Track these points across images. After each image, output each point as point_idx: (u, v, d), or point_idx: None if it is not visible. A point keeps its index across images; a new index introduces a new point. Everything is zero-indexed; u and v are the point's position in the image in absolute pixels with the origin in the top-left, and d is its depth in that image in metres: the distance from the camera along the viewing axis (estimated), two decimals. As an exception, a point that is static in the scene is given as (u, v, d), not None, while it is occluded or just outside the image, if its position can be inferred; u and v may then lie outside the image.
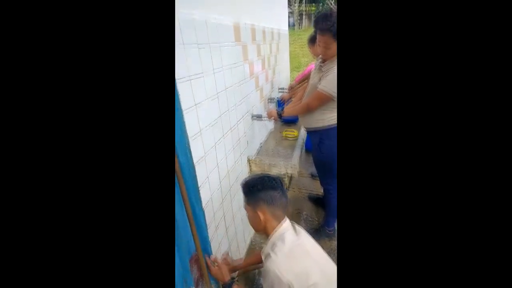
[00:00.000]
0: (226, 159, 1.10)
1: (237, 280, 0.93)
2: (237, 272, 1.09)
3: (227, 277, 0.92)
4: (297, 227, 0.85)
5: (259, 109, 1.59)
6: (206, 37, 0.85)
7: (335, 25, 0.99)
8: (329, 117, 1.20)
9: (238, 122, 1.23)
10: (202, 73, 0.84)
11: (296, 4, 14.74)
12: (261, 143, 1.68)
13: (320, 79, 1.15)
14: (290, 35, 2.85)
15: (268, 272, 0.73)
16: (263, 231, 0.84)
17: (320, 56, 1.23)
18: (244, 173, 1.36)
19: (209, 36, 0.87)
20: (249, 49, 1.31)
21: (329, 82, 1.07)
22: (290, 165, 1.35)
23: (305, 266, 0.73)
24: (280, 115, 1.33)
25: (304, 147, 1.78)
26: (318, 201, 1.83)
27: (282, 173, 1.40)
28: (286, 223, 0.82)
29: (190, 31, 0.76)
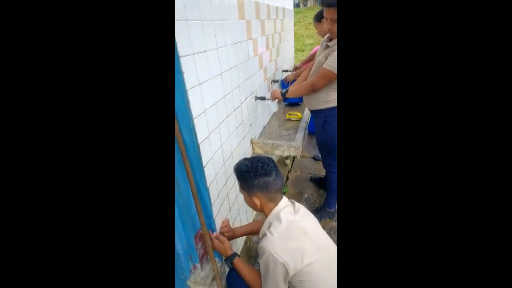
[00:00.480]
0: (229, 140, 1.10)
1: (239, 255, 0.97)
2: (240, 248, 1.14)
3: (229, 251, 0.95)
4: (296, 205, 0.85)
5: (263, 90, 1.56)
6: (210, 13, 0.82)
7: None
8: (332, 98, 1.18)
9: (242, 103, 1.21)
10: (206, 51, 0.82)
11: (301, -20, 13.98)
12: (264, 124, 1.67)
13: (326, 57, 1.11)
14: (294, 13, 2.73)
15: (264, 250, 0.74)
16: (261, 212, 0.85)
17: (327, 34, 1.18)
18: (247, 155, 1.37)
19: (213, 12, 0.83)
20: (253, 26, 1.26)
21: (335, 60, 1.04)
22: (293, 146, 1.35)
23: (300, 245, 0.74)
24: (284, 96, 1.31)
25: (307, 130, 1.77)
26: (319, 183, 1.86)
27: (285, 154, 1.41)
28: (283, 202, 0.82)
29: (194, 7, 0.73)
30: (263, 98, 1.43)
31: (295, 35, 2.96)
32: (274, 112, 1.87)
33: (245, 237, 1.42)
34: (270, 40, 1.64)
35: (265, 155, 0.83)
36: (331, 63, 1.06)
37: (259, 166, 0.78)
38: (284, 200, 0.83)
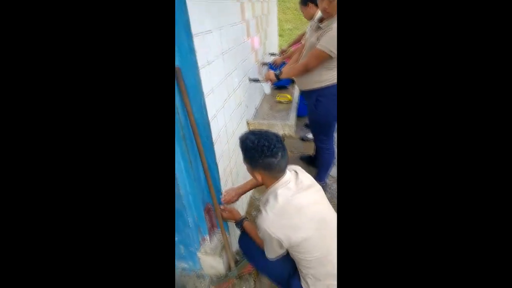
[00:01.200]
0: (231, 120, 1.15)
1: (247, 218, 1.06)
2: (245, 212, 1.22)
3: (238, 217, 1.03)
4: (300, 176, 0.87)
5: (255, 72, 1.61)
6: (212, -8, 0.84)
7: None
8: (325, 78, 1.26)
9: (239, 85, 1.26)
10: (211, 31, 0.85)
11: (277, -38, 13.58)
12: (256, 107, 1.73)
13: (318, 38, 1.18)
14: None
15: (259, 227, 0.80)
16: (261, 185, 0.88)
17: (316, 16, 1.24)
18: (244, 135, 1.43)
19: (214, -9, 0.86)
20: (245, 7, 1.29)
21: (329, 40, 1.11)
22: (288, 125, 1.44)
23: (296, 222, 0.76)
24: (278, 77, 1.37)
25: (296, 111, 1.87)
26: (309, 161, 1.98)
27: (280, 133, 1.49)
28: (285, 178, 0.82)
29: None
30: (256, 80, 1.48)
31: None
32: (265, 95, 1.94)
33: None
34: (259, 23, 1.67)
35: (272, 132, 0.82)
36: (324, 43, 1.13)
37: (265, 146, 0.75)
38: (287, 175, 0.83)
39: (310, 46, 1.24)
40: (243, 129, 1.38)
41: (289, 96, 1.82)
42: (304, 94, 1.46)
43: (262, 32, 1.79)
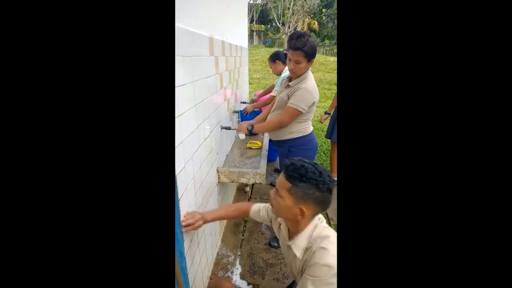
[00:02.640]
0: (200, 170, 1.09)
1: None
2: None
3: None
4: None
5: (227, 120, 1.62)
6: (188, 49, 0.86)
7: (308, 44, 1.13)
8: (296, 130, 1.33)
9: (211, 132, 1.24)
10: (185, 84, 0.84)
11: (247, 23, 15.49)
12: (226, 153, 1.70)
13: (288, 96, 1.27)
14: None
15: (321, 273, 0.67)
16: (291, 221, 0.76)
17: (284, 73, 1.36)
18: (214, 183, 1.35)
19: (189, 48, 0.88)
20: (219, 61, 1.35)
21: (299, 98, 1.21)
22: (259, 174, 1.41)
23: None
24: (250, 131, 1.39)
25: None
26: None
27: (250, 182, 1.45)
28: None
29: (177, 44, 0.76)
30: (228, 128, 1.48)
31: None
32: (235, 140, 1.94)
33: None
34: (232, 75, 1.75)
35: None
36: (296, 102, 1.22)
37: (326, 179, 0.68)
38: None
39: (280, 102, 1.32)
40: (211, 177, 1.31)
41: (259, 143, 1.85)
42: (274, 142, 1.50)
43: (234, 82, 1.88)
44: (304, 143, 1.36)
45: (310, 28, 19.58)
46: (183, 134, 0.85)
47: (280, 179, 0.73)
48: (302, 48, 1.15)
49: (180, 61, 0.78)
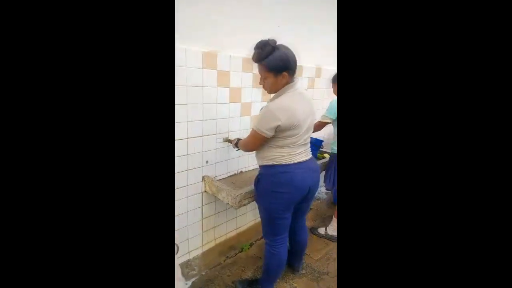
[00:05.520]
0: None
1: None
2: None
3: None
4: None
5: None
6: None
7: (271, 56, 0.93)
8: (267, 156, 1.08)
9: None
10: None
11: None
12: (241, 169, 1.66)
13: None
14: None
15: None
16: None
17: None
18: (199, 190, 1.41)
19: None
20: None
21: (258, 120, 1.00)
22: (231, 196, 1.27)
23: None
24: (236, 145, 1.29)
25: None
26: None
27: (225, 201, 1.34)
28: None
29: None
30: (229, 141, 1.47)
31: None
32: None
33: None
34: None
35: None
36: (255, 122, 1.01)
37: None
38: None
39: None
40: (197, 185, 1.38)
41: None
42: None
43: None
44: (274, 174, 1.06)
45: None
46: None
47: None
48: (263, 61, 0.95)
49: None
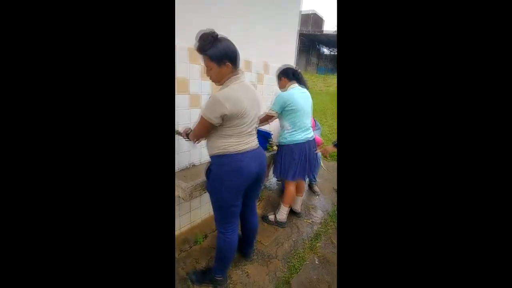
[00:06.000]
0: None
1: None
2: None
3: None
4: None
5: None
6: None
7: (214, 46, 0.98)
8: (217, 145, 1.12)
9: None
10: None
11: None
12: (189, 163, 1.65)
13: None
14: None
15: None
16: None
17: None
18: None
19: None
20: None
21: (205, 106, 1.03)
22: (181, 187, 1.27)
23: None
24: (187, 136, 1.29)
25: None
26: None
27: (177, 195, 1.32)
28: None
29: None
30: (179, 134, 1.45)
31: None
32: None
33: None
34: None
35: None
36: (203, 109, 1.04)
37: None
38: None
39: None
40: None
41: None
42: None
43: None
44: (224, 163, 1.11)
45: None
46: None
47: None
48: (206, 52, 1.00)
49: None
